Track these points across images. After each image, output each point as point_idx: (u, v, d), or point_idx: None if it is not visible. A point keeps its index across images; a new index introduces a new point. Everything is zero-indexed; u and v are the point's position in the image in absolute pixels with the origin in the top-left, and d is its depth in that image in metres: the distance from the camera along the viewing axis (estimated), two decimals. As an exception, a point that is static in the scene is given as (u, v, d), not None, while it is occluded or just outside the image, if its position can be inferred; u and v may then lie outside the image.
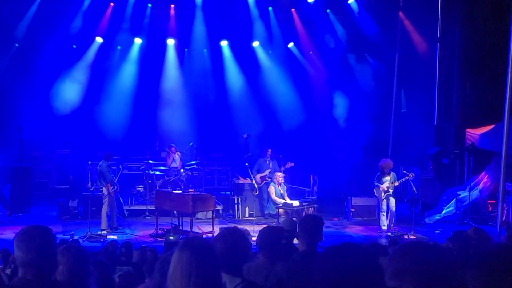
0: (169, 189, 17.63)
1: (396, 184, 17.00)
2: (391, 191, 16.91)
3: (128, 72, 23.59)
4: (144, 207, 19.56)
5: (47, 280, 3.81)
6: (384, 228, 16.87)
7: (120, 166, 18.31)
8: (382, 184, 17.01)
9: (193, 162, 20.46)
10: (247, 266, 4.84)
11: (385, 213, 17.09)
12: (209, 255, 3.53)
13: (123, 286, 6.62)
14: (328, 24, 23.79)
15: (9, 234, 15.10)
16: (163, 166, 20.60)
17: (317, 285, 2.84)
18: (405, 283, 2.69)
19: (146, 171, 20.40)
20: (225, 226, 16.60)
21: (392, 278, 2.75)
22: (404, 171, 19.36)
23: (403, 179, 17.18)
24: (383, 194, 16.91)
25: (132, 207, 19.96)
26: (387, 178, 16.91)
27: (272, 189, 17.10)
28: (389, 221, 17.07)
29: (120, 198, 19.75)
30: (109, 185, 16.95)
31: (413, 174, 17.28)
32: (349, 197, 19.91)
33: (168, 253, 5.15)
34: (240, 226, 6.32)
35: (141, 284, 6.50)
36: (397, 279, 2.72)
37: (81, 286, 4.14)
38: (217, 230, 15.42)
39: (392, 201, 17.03)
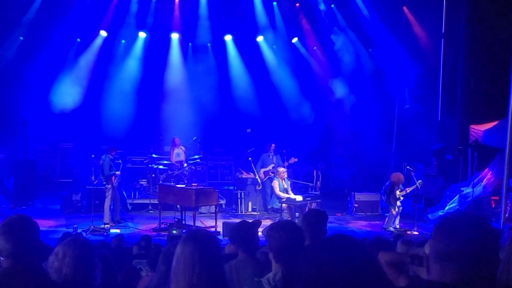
0: (172, 183, 17.62)
1: (408, 191, 16.85)
2: (402, 198, 16.78)
3: (132, 66, 23.59)
4: (147, 201, 19.61)
5: (34, 270, 3.82)
6: (391, 228, 16.64)
7: (120, 161, 18.29)
8: (395, 195, 16.73)
9: (196, 157, 20.48)
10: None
11: (395, 216, 16.86)
12: (212, 248, 3.53)
13: (128, 278, 6.63)
14: (332, 19, 23.74)
15: (12, 227, 15.07)
16: (166, 160, 20.60)
17: (311, 276, 2.84)
18: (451, 265, 2.68)
19: (150, 165, 20.43)
20: (228, 220, 16.66)
21: (437, 262, 2.72)
22: (408, 167, 19.37)
23: (413, 187, 17.02)
24: (398, 203, 16.74)
25: (135, 201, 20.01)
26: (398, 192, 16.70)
27: (276, 183, 17.10)
28: (395, 219, 16.94)
29: (124, 192, 19.79)
30: (113, 177, 16.98)
31: (421, 182, 17.16)
32: (352, 193, 19.94)
33: (170, 244, 5.16)
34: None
35: (145, 277, 6.52)
36: (441, 261, 2.70)
37: (86, 278, 4.15)
38: (220, 225, 15.46)
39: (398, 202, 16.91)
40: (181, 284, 3.41)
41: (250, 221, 5.90)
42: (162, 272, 4.77)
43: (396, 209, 16.61)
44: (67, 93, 22.29)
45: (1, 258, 4.01)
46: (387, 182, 16.96)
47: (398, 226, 16.72)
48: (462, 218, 2.77)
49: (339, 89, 23.69)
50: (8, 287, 3.65)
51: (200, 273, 3.38)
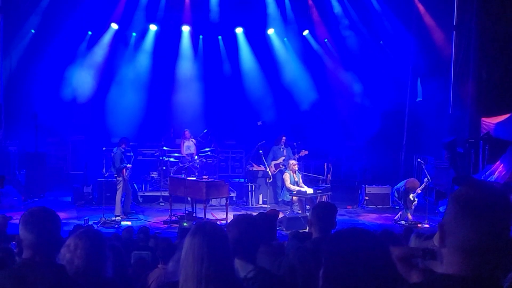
0: (183, 176, 17.65)
1: (419, 191, 16.78)
2: (416, 199, 16.73)
3: (143, 59, 23.62)
4: (158, 194, 19.66)
5: (52, 262, 3.83)
6: (402, 221, 16.57)
7: (132, 153, 18.36)
8: (410, 199, 16.68)
9: (207, 149, 20.48)
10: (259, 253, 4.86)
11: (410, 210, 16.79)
12: (221, 240, 3.53)
13: (138, 270, 6.66)
14: (344, 11, 23.68)
15: (24, 219, 15.13)
16: (177, 153, 20.64)
17: (324, 268, 2.84)
18: (476, 258, 2.44)
19: (161, 158, 20.46)
20: (238, 213, 16.68)
21: (459, 254, 2.45)
22: (419, 160, 19.32)
23: (422, 186, 16.94)
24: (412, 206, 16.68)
25: (146, 194, 20.08)
26: (411, 195, 16.63)
27: (287, 176, 17.09)
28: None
29: (135, 184, 19.85)
30: (124, 170, 17.02)
31: (429, 179, 17.08)
32: (363, 185, 19.92)
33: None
34: (254, 213, 6.35)
35: (155, 269, 6.55)
36: (465, 253, 2.46)
37: (97, 270, 4.17)
38: (230, 217, 15.47)
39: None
40: (190, 276, 3.41)
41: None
42: (175, 266, 4.80)
43: (412, 207, 16.60)
44: (78, 86, 22.37)
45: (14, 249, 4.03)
46: (402, 186, 16.81)
47: (411, 218, 16.66)
48: (492, 198, 2.46)
49: (350, 82, 23.66)
50: (24, 279, 3.67)
51: (209, 266, 3.39)
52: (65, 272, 3.88)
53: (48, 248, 3.80)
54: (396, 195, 17.01)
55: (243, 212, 17.29)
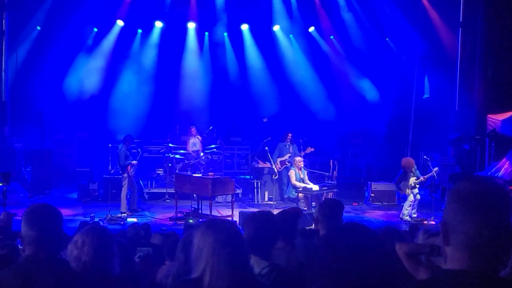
0: (189, 173, 17.65)
1: (423, 179, 16.73)
2: (417, 186, 16.68)
3: (148, 56, 23.64)
4: (164, 190, 19.69)
5: (55, 258, 3.84)
6: (407, 218, 16.55)
7: (139, 150, 18.41)
8: (407, 183, 16.65)
9: (212, 146, 20.51)
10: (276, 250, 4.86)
11: (411, 204, 16.76)
12: (234, 235, 3.52)
13: (143, 267, 6.66)
14: (350, 8, 23.67)
15: (30, 215, 15.16)
16: (183, 150, 20.66)
17: (325, 263, 2.84)
18: (486, 251, 2.42)
19: (166, 155, 20.46)
20: (244, 209, 16.69)
21: (466, 250, 2.42)
22: (425, 157, 19.28)
23: (429, 175, 16.92)
24: (408, 190, 16.65)
25: (152, 190, 20.10)
26: (413, 178, 16.59)
27: (292, 173, 17.08)
28: (412, 208, 16.84)
29: (140, 181, 19.88)
30: (129, 167, 17.04)
31: (437, 169, 17.05)
32: (369, 182, 19.90)
33: (189, 232, 5.17)
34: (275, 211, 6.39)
35: (162, 266, 6.55)
36: (471, 248, 2.42)
37: (105, 267, 4.17)
38: (236, 214, 15.49)
39: (416, 190, 16.81)
40: (207, 273, 3.39)
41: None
42: (182, 260, 4.80)
43: (412, 197, 16.53)
44: (84, 82, 22.41)
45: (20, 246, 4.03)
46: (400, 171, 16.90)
47: (415, 216, 16.64)
48: (492, 191, 2.44)
49: (356, 79, 23.65)
50: (29, 275, 3.68)
51: (226, 260, 3.37)
52: (69, 267, 3.89)
53: (51, 244, 3.81)
54: (396, 187, 17.03)
55: (249, 209, 17.35)
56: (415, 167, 16.80)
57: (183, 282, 3.57)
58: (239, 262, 3.44)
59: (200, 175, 16.86)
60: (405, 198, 17.05)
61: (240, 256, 3.46)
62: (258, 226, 4.38)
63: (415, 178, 16.48)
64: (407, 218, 16.37)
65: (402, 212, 16.73)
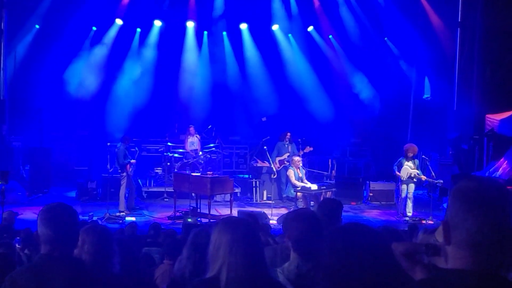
0: (187, 172, 17.66)
1: (424, 178, 16.75)
2: (415, 180, 16.71)
3: (147, 55, 23.62)
4: (162, 189, 19.69)
5: (71, 257, 3.86)
6: (407, 218, 16.56)
7: (136, 149, 18.42)
8: (402, 167, 16.72)
9: (211, 145, 20.49)
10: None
11: (403, 200, 16.81)
12: (251, 233, 3.53)
13: (147, 266, 6.68)
14: (348, 7, 23.67)
15: (29, 214, 15.19)
16: (181, 149, 20.65)
17: (326, 263, 2.84)
18: (488, 250, 2.41)
19: (165, 153, 20.46)
20: (243, 208, 16.69)
21: (466, 248, 2.42)
22: (423, 156, 19.30)
23: (431, 180, 16.93)
24: (405, 175, 16.64)
25: (150, 189, 20.08)
26: (410, 164, 16.63)
27: (291, 172, 17.08)
28: (405, 207, 16.89)
29: (139, 180, 19.87)
30: (128, 166, 17.04)
31: (442, 181, 17.10)
32: (367, 182, 19.92)
33: (194, 233, 5.19)
34: (258, 209, 6.36)
35: (161, 264, 6.56)
36: (472, 247, 2.42)
37: (105, 265, 4.18)
38: (235, 213, 15.48)
39: (412, 187, 16.85)
40: (224, 271, 3.40)
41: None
42: (195, 261, 4.82)
43: (404, 194, 16.58)
44: (83, 81, 22.39)
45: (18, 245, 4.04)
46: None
47: (410, 214, 16.69)
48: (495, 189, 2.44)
49: (355, 78, 23.66)
50: (44, 274, 3.70)
51: (244, 256, 3.38)
52: (83, 266, 3.92)
53: (66, 243, 3.85)
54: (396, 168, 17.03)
55: (247, 208, 17.36)
56: (418, 161, 16.90)
57: (200, 282, 3.58)
58: (256, 261, 3.45)
59: (198, 174, 16.88)
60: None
61: (257, 254, 3.48)
62: (302, 226, 4.35)
63: (416, 168, 16.52)
64: (406, 218, 16.42)
65: (405, 211, 16.78)
